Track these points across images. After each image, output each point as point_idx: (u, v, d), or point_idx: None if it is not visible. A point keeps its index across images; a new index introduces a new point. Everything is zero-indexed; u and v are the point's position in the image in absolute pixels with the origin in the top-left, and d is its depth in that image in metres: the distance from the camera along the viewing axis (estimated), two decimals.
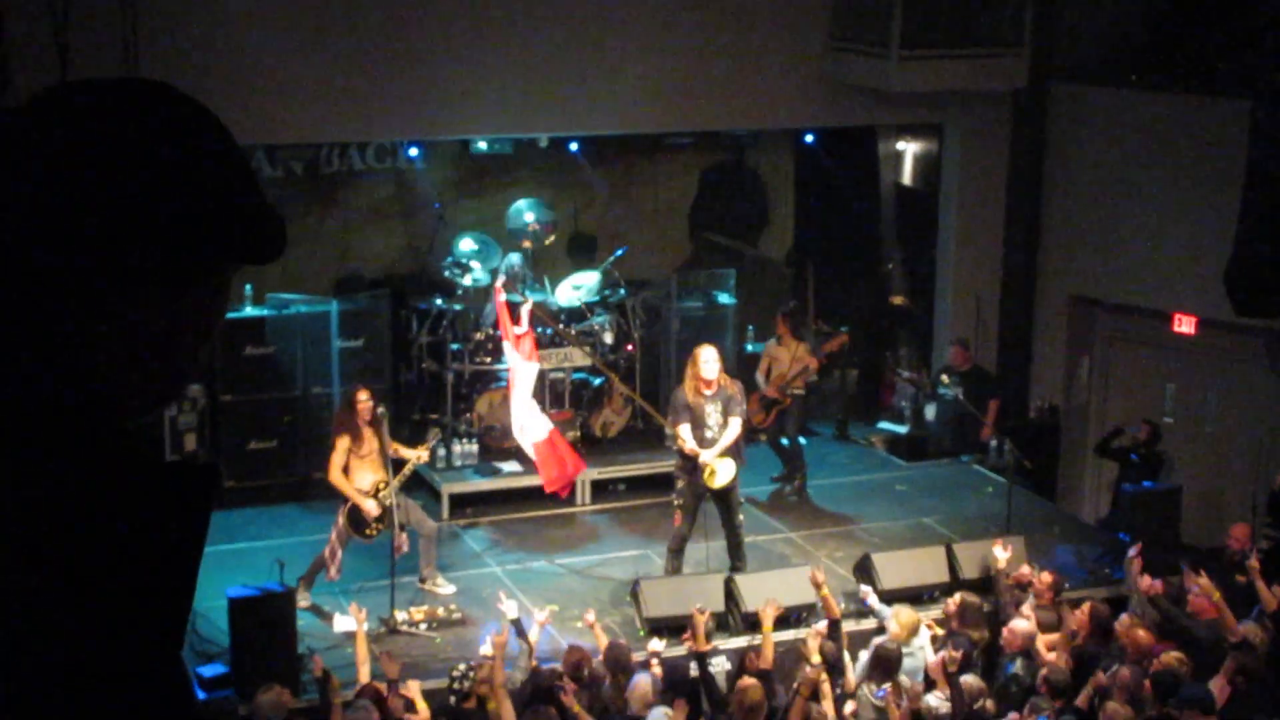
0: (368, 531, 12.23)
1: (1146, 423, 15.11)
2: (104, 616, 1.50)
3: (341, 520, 12.28)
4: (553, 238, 16.22)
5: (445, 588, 12.67)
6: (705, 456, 12.26)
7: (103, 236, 1.51)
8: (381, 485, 12.15)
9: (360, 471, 12.24)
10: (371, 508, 12.11)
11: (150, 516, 1.54)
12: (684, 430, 12.33)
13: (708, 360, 12.39)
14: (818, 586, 11.43)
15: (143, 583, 1.53)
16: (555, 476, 13.27)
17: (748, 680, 10.24)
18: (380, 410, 12.30)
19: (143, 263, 1.53)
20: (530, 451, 13.33)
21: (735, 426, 12.39)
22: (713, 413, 12.34)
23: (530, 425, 13.25)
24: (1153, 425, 15.06)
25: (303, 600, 12.13)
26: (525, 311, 13.68)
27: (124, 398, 1.58)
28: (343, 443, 12.23)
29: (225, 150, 1.60)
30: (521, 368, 13.45)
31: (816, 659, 10.54)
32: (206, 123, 1.60)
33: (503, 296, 13.62)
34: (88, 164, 1.52)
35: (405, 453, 12.38)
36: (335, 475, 12.24)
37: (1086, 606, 11.47)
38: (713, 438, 12.33)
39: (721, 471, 12.34)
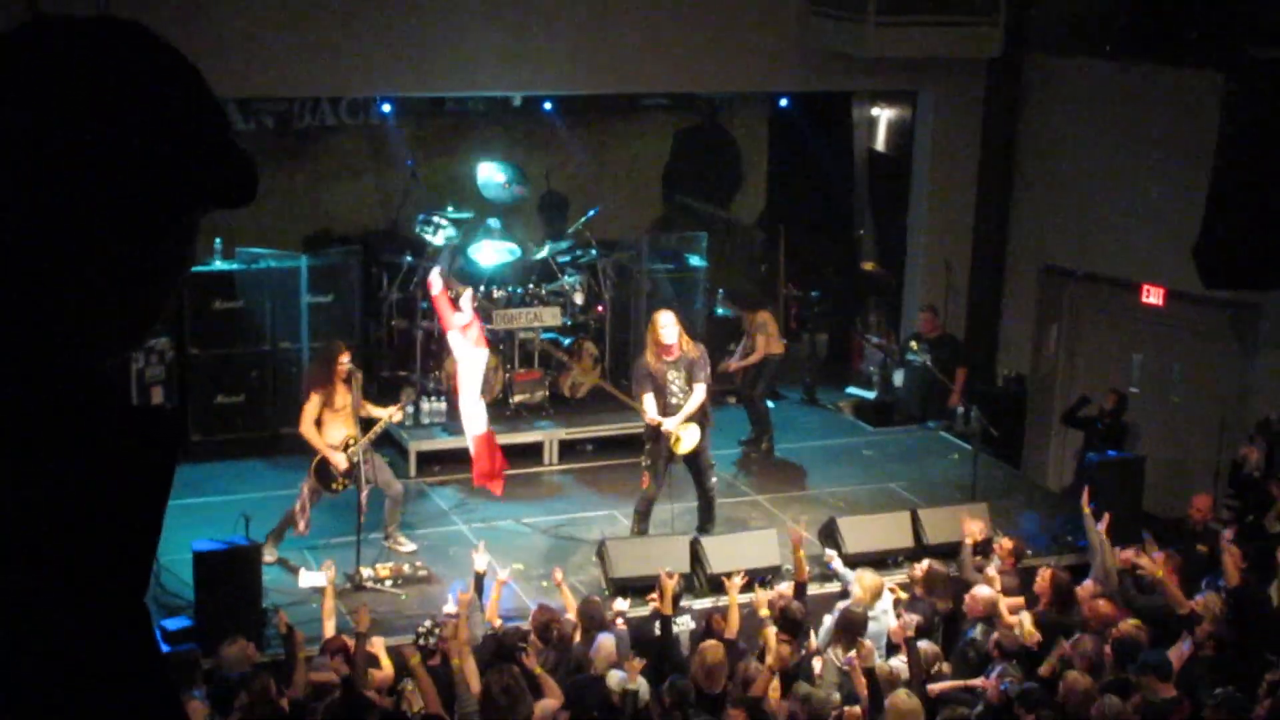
0: (334, 486, 12.22)
1: (1113, 392, 15.20)
2: (66, 561, 1.50)
3: (313, 478, 12.27)
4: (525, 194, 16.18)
5: (406, 546, 12.65)
6: (668, 425, 12.27)
7: (70, 175, 1.50)
8: (351, 441, 12.14)
9: (332, 426, 12.21)
10: (340, 462, 12.09)
11: (114, 460, 1.54)
12: (648, 401, 12.33)
13: (665, 325, 12.37)
14: (796, 546, 11.46)
15: (106, 528, 1.53)
16: (485, 470, 13.16)
17: (709, 642, 10.28)
18: (351, 368, 12.27)
19: (110, 203, 1.52)
20: (469, 443, 13.19)
21: (700, 393, 12.39)
22: (675, 379, 12.34)
23: (474, 416, 13.12)
24: (1119, 394, 15.15)
25: (269, 555, 12.13)
26: (467, 300, 13.53)
27: (89, 341, 1.58)
28: (317, 396, 12.18)
29: (196, 91, 1.59)
30: (469, 357, 13.28)
31: (765, 612, 10.59)
32: (177, 62, 1.58)
33: (436, 289, 13.40)
34: (55, 102, 1.51)
35: (376, 412, 12.34)
36: (307, 428, 12.19)
37: (1047, 573, 11.53)
38: (677, 404, 12.34)
39: (686, 438, 12.37)
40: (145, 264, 1.58)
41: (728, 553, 12.12)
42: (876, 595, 11.14)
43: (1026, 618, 10.94)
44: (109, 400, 1.55)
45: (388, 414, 12.36)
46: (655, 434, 12.44)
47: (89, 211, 1.52)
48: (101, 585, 1.53)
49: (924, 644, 10.47)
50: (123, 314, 1.59)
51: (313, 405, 12.18)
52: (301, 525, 12.29)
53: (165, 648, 10.20)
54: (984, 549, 12.05)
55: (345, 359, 12.22)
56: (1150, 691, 9.51)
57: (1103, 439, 14.66)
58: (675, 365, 12.36)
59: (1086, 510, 12.08)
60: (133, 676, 1.56)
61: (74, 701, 1.50)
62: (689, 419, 12.33)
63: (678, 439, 12.33)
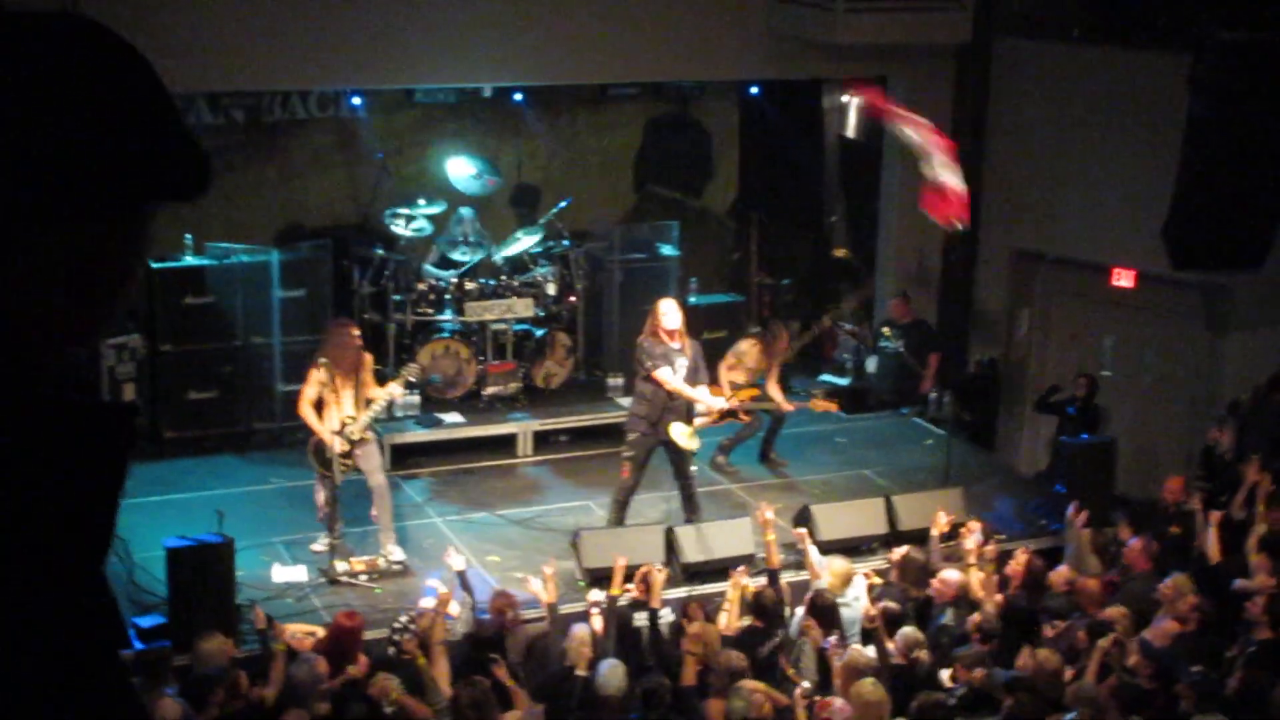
0: (336, 468, 12.02)
1: (1084, 376, 15.24)
2: (18, 557, 1.50)
3: (311, 459, 12.15)
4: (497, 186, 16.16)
5: (395, 554, 12.21)
6: (716, 404, 12.42)
7: (21, 168, 1.50)
8: (349, 421, 12.02)
9: (333, 409, 12.03)
10: (335, 444, 11.89)
11: (66, 456, 1.54)
12: (666, 373, 12.19)
13: (668, 311, 12.37)
14: (764, 528, 11.47)
15: (60, 523, 1.53)
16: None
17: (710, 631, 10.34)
18: (359, 348, 12.13)
19: (62, 196, 1.52)
20: None
21: (706, 395, 12.50)
22: (681, 366, 12.31)
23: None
24: (1091, 379, 15.20)
25: (341, 564, 12.00)
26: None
27: (41, 336, 1.58)
28: (318, 375, 11.93)
29: (148, 84, 1.59)
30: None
31: (695, 628, 10.51)
32: (128, 56, 1.59)
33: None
34: (5, 95, 1.51)
35: (375, 391, 12.19)
36: (303, 408, 12.02)
37: (1023, 558, 11.57)
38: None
39: (693, 440, 12.42)
40: (99, 258, 1.58)
41: (701, 543, 12.13)
42: (846, 581, 11.15)
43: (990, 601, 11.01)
44: (61, 395, 1.55)
45: (385, 393, 12.21)
46: (641, 422, 12.39)
47: (41, 205, 1.52)
48: (55, 582, 1.53)
49: (906, 630, 10.46)
50: (76, 309, 1.59)
51: (312, 385, 12.00)
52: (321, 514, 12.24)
53: (138, 645, 10.19)
54: (951, 535, 12.05)
55: (356, 332, 12.13)
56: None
57: (1076, 424, 14.70)
58: (679, 353, 12.34)
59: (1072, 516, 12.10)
60: (91, 674, 1.56)
61: (32, 697, 1.50)
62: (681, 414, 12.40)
63: (693, 432, 12.37)
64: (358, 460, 12.04)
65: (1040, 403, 15.66)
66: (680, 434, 12.33)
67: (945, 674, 10.16)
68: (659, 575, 10.82)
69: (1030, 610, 10.91)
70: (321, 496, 12.21)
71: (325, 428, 11.93)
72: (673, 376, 12.20)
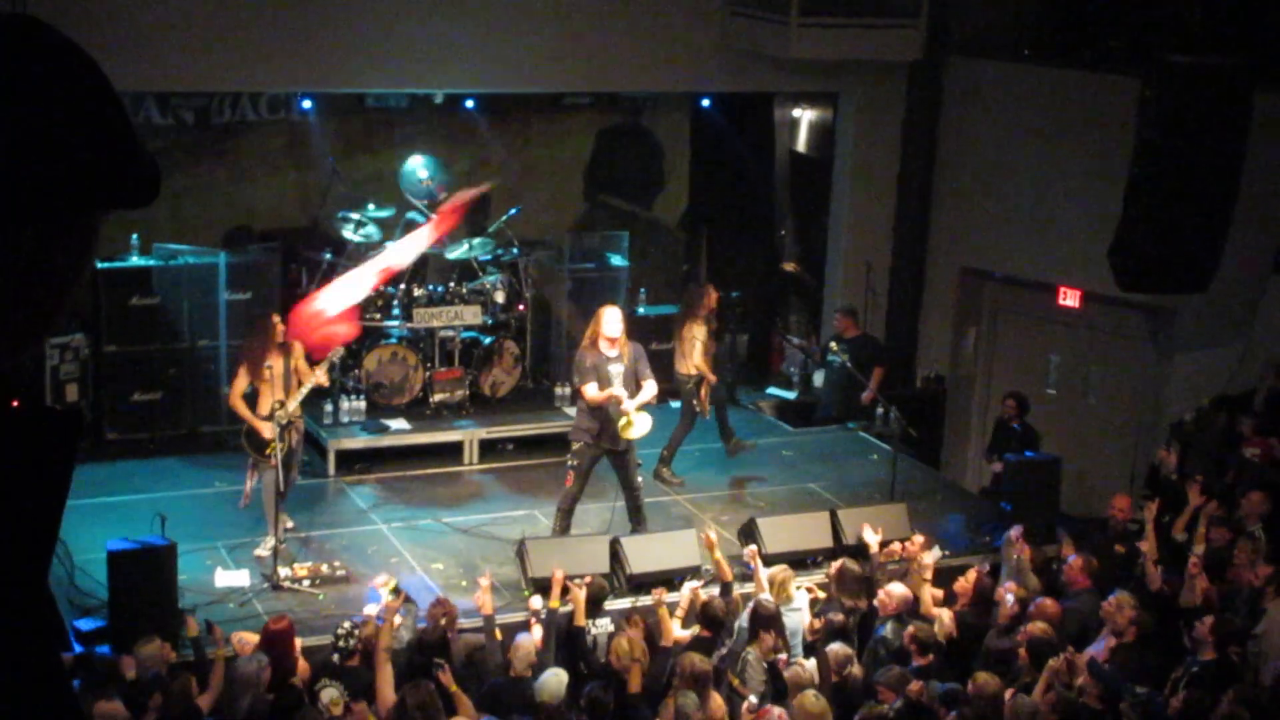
0: (267, 452, 12.04)
1: (1011, 398, 15.14)
2: None
3: (245, 444, 12.24)
4: (446, 195, 16.11)
5: (287, 523, 12.57)
6: (628, 405, 12.27)
7: None
8: (278, 406, 12.03)
9: (266, 396, 12.21)
10: (266, 430, 12.02)
11: (9, 461, 1.52)
12: (591, 389, 12.29)
13: (610, 320, 12.39)
14: (710, 549, 11.48)
15: (1, 527, 1.51)
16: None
17: (632, 638, 10.32)
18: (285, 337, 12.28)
19: (7, 202, 1.50)
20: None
21: (651, 387, 12.43)
22: (617, 374, 12.32)
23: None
24: (1019, 399, 15.07)
25: (264, 550, 12.15)
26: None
27: None
28: (246, 368, 12.23)
29: (98, 89, 1.57)
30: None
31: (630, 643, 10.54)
32: (78, 60, 1.56)
33: None
34: None
35: (306, 374, 12.27)
36: (235, 399, 12.29)
37: (972, 574, 11.59)
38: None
39: (638, 424, 12.35)
40: (44, 264, 1.56)
41: (647, 553, 12.13)
42: (782, 589, 11.18)
43: (946, 614, 11.03)
44: (3, 399, 1.53)
45: (313, 379, 12.25)
46: (592, 431, 12.40)
47: None
48: None
49: (834, 646, 10.49)
50: (19, 314, 1.57)
51: (242, 378, 12.25)
52: (245, 498, 12.38)
53: (78, 648, 10.10)
54: (894, 557, 12.08)
55: (280, 327, 12.22)
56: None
57: (1021, 442, 14.69)
58: (616, 360, 12.35)
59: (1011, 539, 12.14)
60: (30, 676, 1.55)
61: None
62: (640, 408, 12.36)
63: (630, 422, 12.31)
64: (289, 444, 12.14)
65: (991, 447, 15.54)
66: (637, 431, 12.35)
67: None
68: (579, 591, 10.79)
69: (978, 627, 10.96)
70: (250, 485, 12.34)
71: (258, 415, 12.11)
72: (596, 391, 12.25)
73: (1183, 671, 10.22)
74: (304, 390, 12.19)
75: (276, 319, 12.38)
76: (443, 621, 10.42)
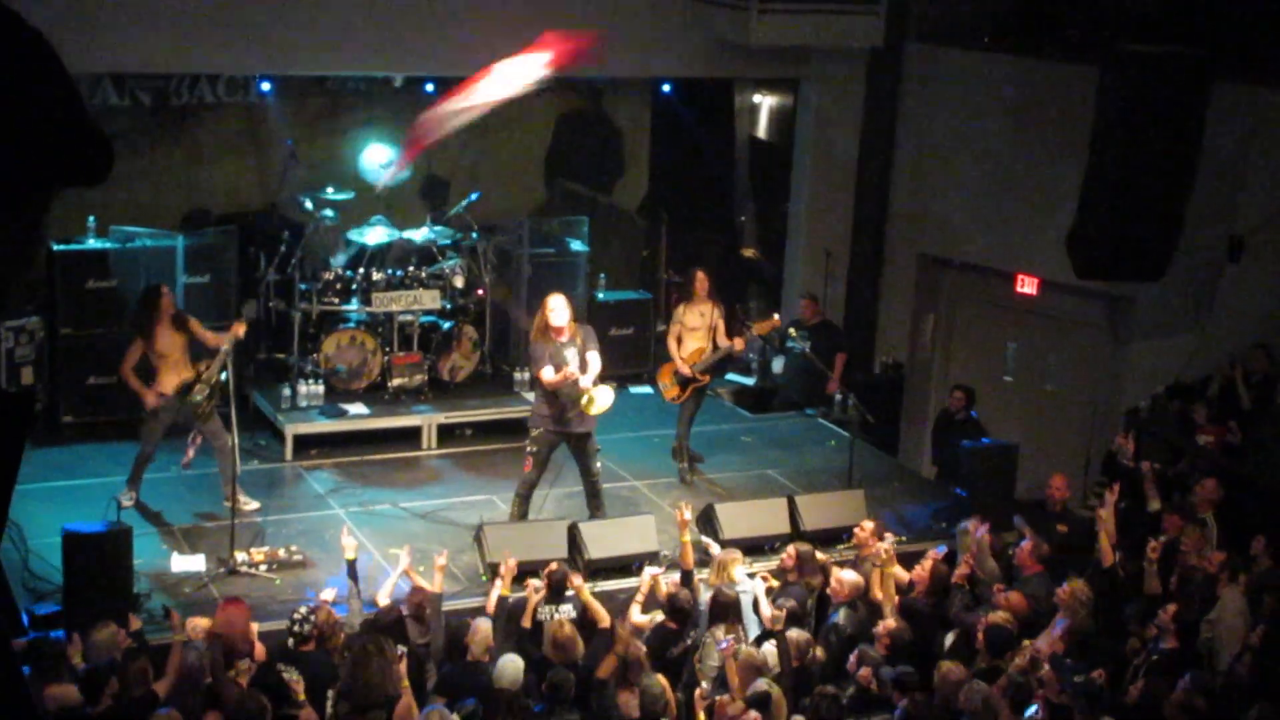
0: (154, 425, 12.47)
1: (959, 390, 15.19)
2: None
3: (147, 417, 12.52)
4: (405, 176, 16.06)
5: (250, 504, 12.72)
6: (584, 382, 12.25)
7: None
8: (188, 379, 12.27)
9: (166, 372, 12.36)
10: (150, 399, 12.31)
11: None
12: (548, 371, 12.24)
13: (556, 309, 12.37)
14: (681, 529, 11.47)
15: None
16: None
17: (561, 619, 10.34)
18: (178, 309, 12.53)
19: None
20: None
21: (597, 360, 12.41)
22: (571, 358, 12.31)
23: None
24: (966, 391, 15.09)
25: (127, 500, 12.33)
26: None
27: None
28: (140, 341, 12.39)
29: (49, 67, 1.55)
30: None
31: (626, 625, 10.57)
32: (29, 39, 1.55)
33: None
34: None
35: (214, 339, 12.44)
36: (125, 370, 12.44)
37: (928, 562, 11.61)
38: (572, 383, 12.33)
39: (600, 398, 12.33)
40: None
41: (605, 538, 12.14)
42: (724, 569, 11.19)
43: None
44: None
45: (229, 337, 12.27)
46: (551, 416, 12.39)
47: None
48: None
49: (793, 632, 10.51)
50: None
51: (135, 350, 12.40)
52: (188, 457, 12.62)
53: (32, 634, 10.03)
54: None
55: (166, 290, 12.41)
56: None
57: (974, 431, 14.75)
58: (568, 345, 12.34)
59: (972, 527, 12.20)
60: None
61: None
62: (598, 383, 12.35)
63: (591, 399, 12.29)
64: (205, 419, 12.43)
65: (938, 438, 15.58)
66: (600, 405, 12.33)
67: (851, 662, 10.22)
68: (534, 595, 10.76)
69: (931, 614, 11.00)
70: (150, 449, 12.61)
71: (153, 390, 12.34)
72: (553, 374, 12.24)
73: (1143, 659, 10.28)
74: (222, 357, 12.21)
75: (166, 291, 12.52)
76: (427, 611, 10.37)
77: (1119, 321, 15.85)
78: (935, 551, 11.83)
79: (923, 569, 11.52)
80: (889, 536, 12.03)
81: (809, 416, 16.30)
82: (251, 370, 15.22)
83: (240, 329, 12.36)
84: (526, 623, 10.64)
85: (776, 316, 15.15)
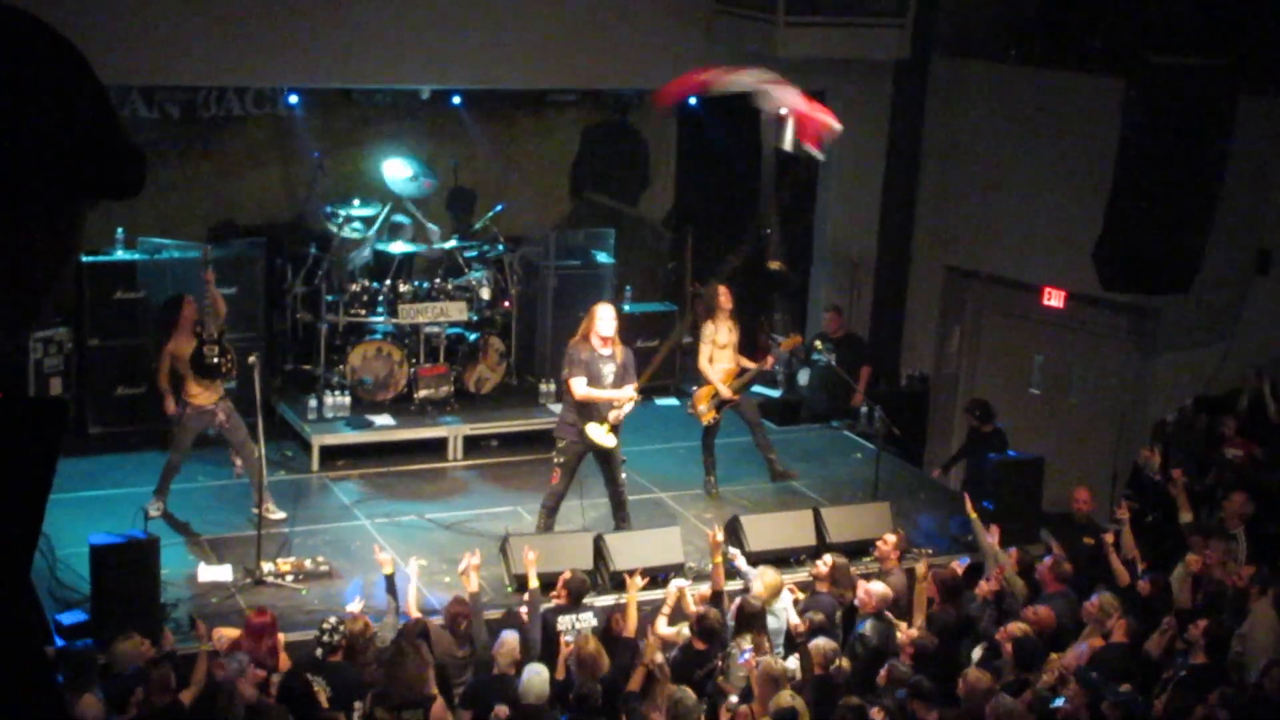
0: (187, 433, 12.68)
1: (975, 404, 15.09)
2: None
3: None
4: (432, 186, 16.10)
5: (276, 514, 12.82)
6: (616, 413, 12.23)
7: None
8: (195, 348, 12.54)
9: (192, 383, 12.56)
10: (169, 408, 12.62)
11: None
12: (579, 384, 12.23)
13: (604, 318, 12.36)
14: (713, 550, 11.44)
15: None
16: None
17: (586, 634, 10.32)
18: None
19: None
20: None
21: (629, 391, 12.35)
22: (609, 373, 12.30)
23: None
24: (982, 404, 14.99)
25: (155, 510, 12.42)
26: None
27: None
28: (167, 353, 12.66)
29: (83, 80, 1.56)
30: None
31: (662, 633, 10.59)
32: (63, 51, 1.55)
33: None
34: None
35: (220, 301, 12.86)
36: (162, 379, 12.73)
37: (929, 572, 11.53)
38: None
39: (611, 435, 12.36)
40: (28, 254, 1.55)
41: (631, 550, 12.13)
42: (775, 593, 11.18)
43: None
44: None
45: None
46: (576, 426, 12.40)
47: None
48: None
49: (819, 641, 10.48)
50: (3, 305, 1.56)
51: (165, 360, 12.64)
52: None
53: (60, 642, 10.07)
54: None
55: (190, 308, 12.53)
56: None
57: (999, 444, 14.67)
58: (609, 360, 12.33)
59: (974, 515, 12.20)
60: (12, 670, 1.55)
61: None
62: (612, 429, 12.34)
63: (610, 429, 12.30)
64: (232, 434, 12.67)
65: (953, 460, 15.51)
66: (597, 433, 12.33)
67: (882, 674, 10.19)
68: (473, 566, 10.75)
69: (957, 625, 10.97)
70: (177, 459, 12.79)
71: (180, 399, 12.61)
72: (583, 386, 12.23)
73: (1173, 673, 10.22)
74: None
75: (189, 300, 12.66)
76: (462, 624, 10.37)
77: (1146, 334, 15.79)
78: (956, 562, 11.81)
79: (929, 581, 11.45)
80: (890, 546, 11.99)
81: (834, 429, 16.28)
82: (279, 381, 15.27)
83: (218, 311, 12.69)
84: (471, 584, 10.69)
85: (799, 336, 15.08)
